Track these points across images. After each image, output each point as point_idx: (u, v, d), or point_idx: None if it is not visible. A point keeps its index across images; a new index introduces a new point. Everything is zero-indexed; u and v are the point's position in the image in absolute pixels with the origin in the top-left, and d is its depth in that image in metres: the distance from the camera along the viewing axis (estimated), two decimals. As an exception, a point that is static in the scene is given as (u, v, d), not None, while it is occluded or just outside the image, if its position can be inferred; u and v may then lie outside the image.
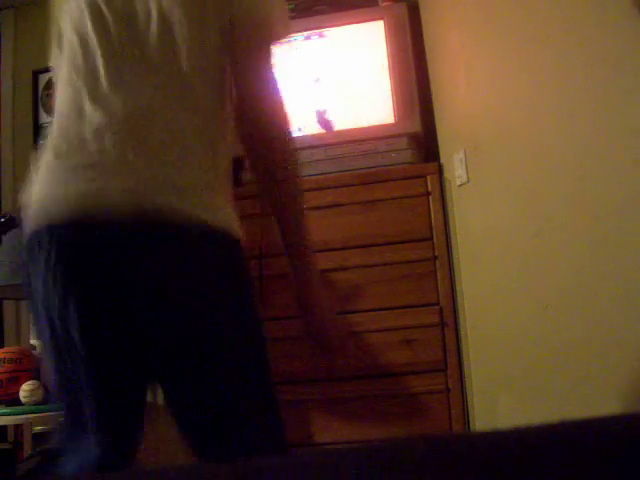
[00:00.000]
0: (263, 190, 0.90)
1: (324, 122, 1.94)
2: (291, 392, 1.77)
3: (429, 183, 1.79)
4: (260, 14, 0.83)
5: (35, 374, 1.62)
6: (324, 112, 1.94)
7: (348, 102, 1.94)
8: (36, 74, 2.61)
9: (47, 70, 2.32)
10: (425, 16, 1.99)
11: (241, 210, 1.97)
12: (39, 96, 2.62)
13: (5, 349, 1.85)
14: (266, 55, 0.87)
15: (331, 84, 1.96)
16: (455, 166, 1.71)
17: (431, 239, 1.77)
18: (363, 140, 1.89)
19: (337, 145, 1.90)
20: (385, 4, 1.99)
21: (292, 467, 0.28)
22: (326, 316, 0.93)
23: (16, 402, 1.57)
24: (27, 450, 2.01)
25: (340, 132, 1.91)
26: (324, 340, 0.95)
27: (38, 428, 1.99)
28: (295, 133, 1.94)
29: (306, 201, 1.82)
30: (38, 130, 2.59)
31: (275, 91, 0.89)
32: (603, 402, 1.08)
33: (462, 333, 1.72)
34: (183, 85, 0.79)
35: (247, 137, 0.86)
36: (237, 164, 1.95)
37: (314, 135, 1.93)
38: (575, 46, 1.16)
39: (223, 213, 0.85)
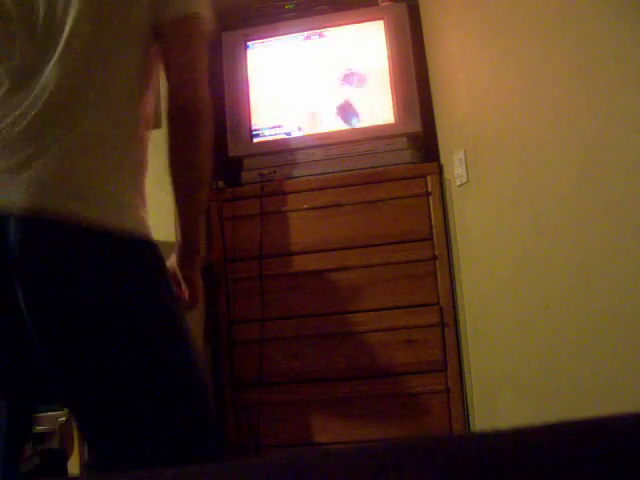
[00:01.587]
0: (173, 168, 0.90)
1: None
2: (291, 392, 1.77)
3: (429, 183, 1.79)
4: (185, 5, 0.86)
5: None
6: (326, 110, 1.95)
7: (348, 102, 1.94)
8: None
9: None
10: (425, 16, 1.99)
11: (241, 210, 1.99)
12: None
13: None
14: (196, 47, 0.88)
15: (331, 84, 1.96)
16: (455, 166, 1.71)
17: (431, 239, 1.77)
18: (363, 140, 1.89)
19: (337, 145, 1.90)
20: (385, 4, 1.99)
21: (292, 467, 0.28)
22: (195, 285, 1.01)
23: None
24: (27, 450, 2.01)
25: (340, 132, 1.91)
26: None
27: (38, 428, 1.99)
28: (295, 133, 1.96)
29: (306, 201, 1.83)
30: None
31: (200, 86, 0.88)
32: (603, 402, 1.08)
33: (462, 333, 1.72)
34: (94, 84, 0.82)
35: (170, 118, 0.88)
36: (237, 164, 1.96)
37: (314, 135, 1.93)
38: (574, 46, 1.16)
39: (126, 215, 0.83)
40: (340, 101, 1.94)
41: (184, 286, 0.99)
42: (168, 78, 0.87)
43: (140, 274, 0.83)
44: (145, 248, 0.84)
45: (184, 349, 0.85)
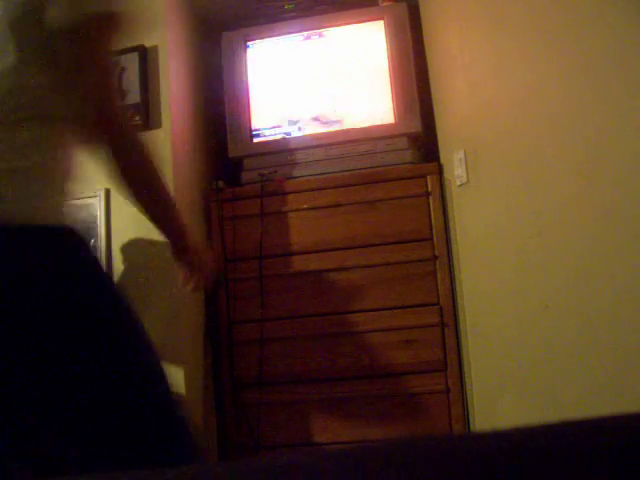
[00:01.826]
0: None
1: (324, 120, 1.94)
2: (291, 392, 1.77)
3: (429, 183, 1.79)
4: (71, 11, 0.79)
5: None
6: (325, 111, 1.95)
7: (348, 102, 1.94)
8: None
9: None
10: (425, 16, 1.99)
11: (241, 210, 1.99)
12: None
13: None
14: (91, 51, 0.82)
15: (331, 84, 1.96)
16: (455, 166, 1.71)
17: (431, 239, 1.77)
18: (363, 140, 1.89)
19: (337, 145, 1.90)
20: (385, 4, 1.99)
21: (292, 467, 0.28)
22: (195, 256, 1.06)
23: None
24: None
25: (340, 132, 1.91)
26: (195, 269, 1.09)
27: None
28: (295, 133, 1.96)
29: (306, 201, 1.83)
30: None
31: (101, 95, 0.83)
32: (603, 402, 1.08)
33: (462, 333, 1.72)
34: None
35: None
36: (237, 164, 1.96)
37: (314, 135, 1.93)
38: (576, 45, 1.16)
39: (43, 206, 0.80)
40: (324, 109, 1.94)
41: (186, 272, 1.05)
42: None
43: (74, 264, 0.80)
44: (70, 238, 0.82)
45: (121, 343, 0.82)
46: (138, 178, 0.88)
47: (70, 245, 0.81)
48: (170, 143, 1.72)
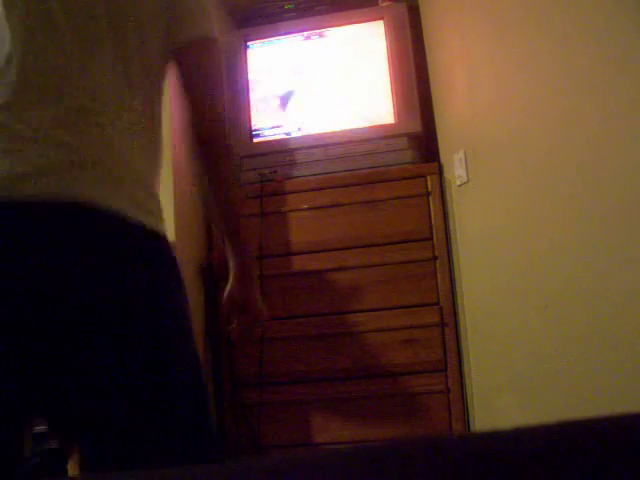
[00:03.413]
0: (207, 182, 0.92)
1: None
2: (291, 392, 1.77)
3: (429, 183, 1.79)
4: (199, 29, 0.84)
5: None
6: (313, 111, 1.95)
7: (348, 102, 1.94)
8: None
9: None
10: (425, 16, 1.99)
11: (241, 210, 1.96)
12: None
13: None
14: (206, 54, 0.87)
15: (331, 84, 1.96)
16: (455, 166, 1.71)
17: (431, 239, 1.77)
18: (363, 140, 1.89)
19: (337, 145, 1.90)
20: (385, 4, 1.99)
21: (292, 467, 0.28)
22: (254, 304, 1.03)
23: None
24: (27, 450, 2.01)
25: (340, 132, 1.91)
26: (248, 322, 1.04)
27: (38, 428, 1.99)
28: (295, 133, 1.95)
29: (306, 201, 1.83)
30: None
31: (218, 97, 0.88)
32: (603, 402, 1.08)
33: (462, 333, 1.72)
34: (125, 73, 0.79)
35: (197, 150, 0.88)
36: (236, 166, 1.96)
37: (314, 135, 1.93)
38: (578, 47, 1.16)
39: (143, 207, 0.77)
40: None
41: (244, 311, 1.00)
42: (191, 105, 0.86)
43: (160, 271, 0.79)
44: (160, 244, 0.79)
45: (193, 353, 0.83)
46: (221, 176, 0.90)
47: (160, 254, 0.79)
48: (170, 143, 1.72)
